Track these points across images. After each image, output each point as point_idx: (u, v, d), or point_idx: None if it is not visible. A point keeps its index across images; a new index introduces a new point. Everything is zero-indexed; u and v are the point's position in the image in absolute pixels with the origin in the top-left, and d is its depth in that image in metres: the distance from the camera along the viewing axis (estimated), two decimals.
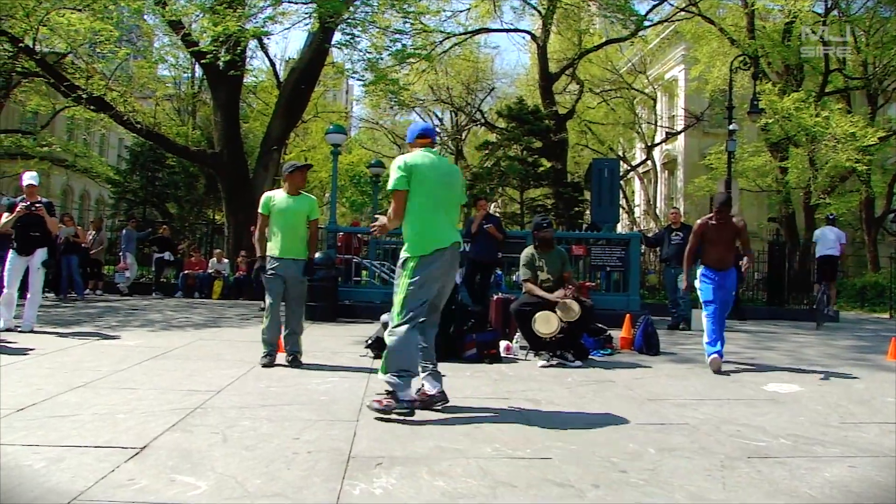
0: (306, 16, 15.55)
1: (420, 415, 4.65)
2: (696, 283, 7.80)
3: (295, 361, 6.70)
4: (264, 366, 6.55)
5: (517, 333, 8.26)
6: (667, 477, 3.46)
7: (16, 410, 4.40)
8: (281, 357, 6.78)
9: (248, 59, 20.42)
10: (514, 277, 14.88)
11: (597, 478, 3.43)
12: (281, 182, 7.17)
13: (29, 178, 8.92)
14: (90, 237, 16.48)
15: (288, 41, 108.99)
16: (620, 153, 34.81)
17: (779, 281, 17.35)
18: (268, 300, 6.83)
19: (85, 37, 17.25)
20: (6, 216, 8.77)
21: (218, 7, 14.45)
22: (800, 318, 15.54)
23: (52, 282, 13.87)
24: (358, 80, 17.91)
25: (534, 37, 26.49)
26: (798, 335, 11.62)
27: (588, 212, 21.96)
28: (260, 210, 6.91)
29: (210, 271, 17.44)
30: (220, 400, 4.98)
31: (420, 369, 4.85)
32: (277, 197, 6.90)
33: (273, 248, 6.78)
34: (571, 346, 7.49)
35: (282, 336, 6.79)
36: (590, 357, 7.80)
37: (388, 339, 4.67)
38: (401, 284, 4.76)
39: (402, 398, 4.57)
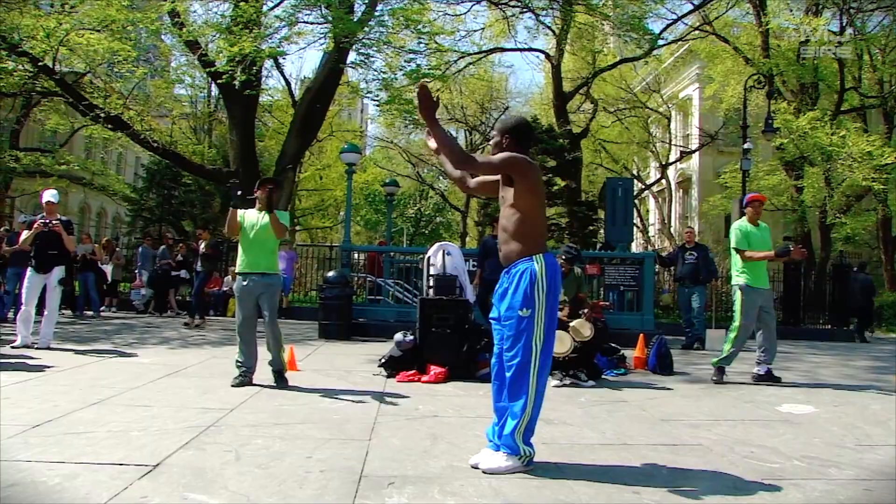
0: (321, 36, 15.66)
1: (432, 434, 4.66)
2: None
3: (279, 379, 6.53)
4: (233, 386, 6.38)
5: None
6: (679, 498, 3.45)
7: (32, 427, 4.43)
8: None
9: (263, 79, 20.58)
10: None
11: (609, 498, 3.42)
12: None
13: (49, 195, 9.04)
14: (108, 265, 16.65)
15: (303, 61, 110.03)
16: (635, 172, 34.75)
17: (795, 300, 17.25)
18: (237, 319, 6.69)
19: (104, 57, 17.47)
20: (25, 233, 8.89)
21: (234, 28, 14.59)
22: (816, 337, 15.45)
23: (68, 299, 13.97)
24: (372, 99, 17.97)
25: (548, 56, 26.55)
26: (814, 355, 11.53)
27: (602, 231, 21.91)
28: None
29: (225, 289, 17.49)
30: (234, 418, 5.00)
31: None
32: (248, 213, 6.77)
33: (240, 265, 6.67)
34: (584, 366, 7.48)
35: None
36: (603, 377, 7.78)
37: None
38: None
39: None
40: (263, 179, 7.12)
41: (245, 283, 6.62)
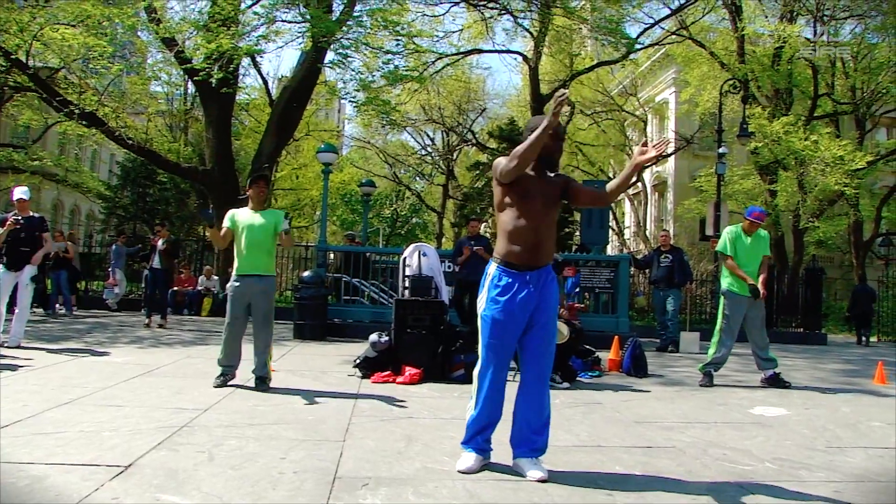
0: (299, 35, 15.60)
1: (406, 435, 4.66)
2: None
3: (261, 385, 6.38)
4: (215, 386, 6.29)
5: None
6: (652, 500, 3.47)
7: (0, 427, 4.37)
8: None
9: (240, 77, 20.40)
10: None
11: (583, 500, 3.43)
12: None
13: (20, 192, 8.90)
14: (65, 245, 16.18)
15: (281, 59, 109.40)
16: (611, 175, 34.94)
17: (767, 304, 17.40)
18: (227, 319, 6.49)
19: (78, 52, 17.26)
20: None
21: (212, 25, 14.48)
22: (788, 340, 15.61)
23: (40, 297, 13.79)
24: (350, 100, 17.90)
25: (525, 58, 26.62)
26: (786, 357, 11.65)
27: (578, 233, 22.02)
28: (224, 223, 6.54)
29: (200, 288, 17.39)
30: (207, 418, 4.96)
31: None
32: (240, 213, 6.58)
33: (237, 267, 6.46)
34: (559, 368, 7.48)
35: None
36: (578, 379, 7.80)
37: None
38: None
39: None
40: (255, 177, 6.95)
41: (238, 284, 6.42)
